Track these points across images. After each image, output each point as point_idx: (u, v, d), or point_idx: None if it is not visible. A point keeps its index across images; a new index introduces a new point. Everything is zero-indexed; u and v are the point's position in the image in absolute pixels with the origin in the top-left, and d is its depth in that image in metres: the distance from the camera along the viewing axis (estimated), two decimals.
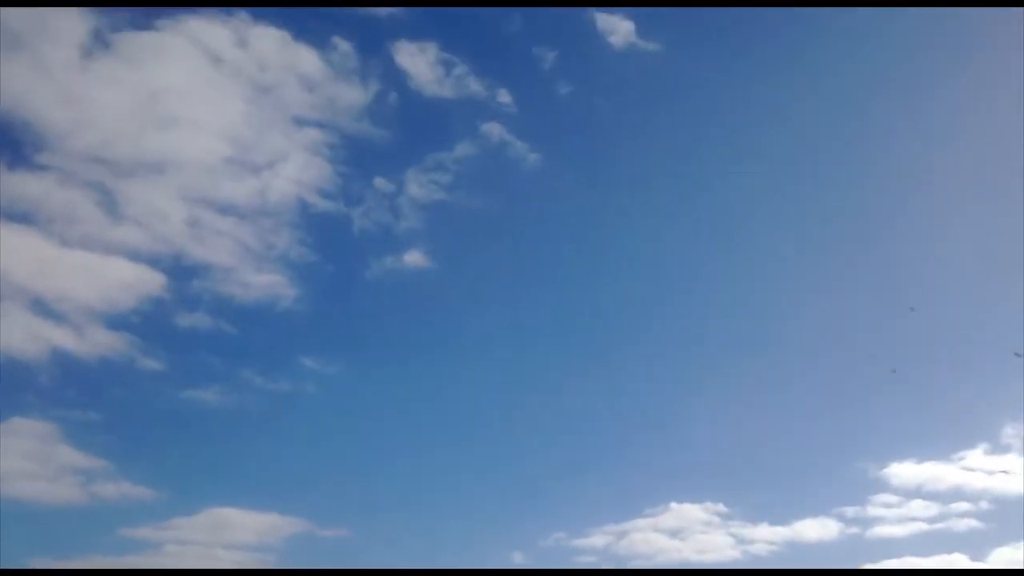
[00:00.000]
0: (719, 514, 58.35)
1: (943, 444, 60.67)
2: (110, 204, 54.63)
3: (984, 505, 57.77)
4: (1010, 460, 59.03)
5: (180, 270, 56.52)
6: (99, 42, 54.57)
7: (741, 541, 57.48)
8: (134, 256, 54.83)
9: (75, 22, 53.96)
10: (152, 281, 55.01)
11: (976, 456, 59.69)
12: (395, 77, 63.47)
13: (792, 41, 70.84)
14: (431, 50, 64.40)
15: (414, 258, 61.87)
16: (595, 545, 56.74)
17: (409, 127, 64.95)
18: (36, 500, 49.03)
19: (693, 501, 58.88)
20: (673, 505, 58.60)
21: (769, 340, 66.70)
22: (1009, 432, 59.83)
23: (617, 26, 67.01)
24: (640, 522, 57.83)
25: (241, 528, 51.89)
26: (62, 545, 48.61)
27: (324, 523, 53.73)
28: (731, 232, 69.98)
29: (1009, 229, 61.06)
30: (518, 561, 55.73)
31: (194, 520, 51.05)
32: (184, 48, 56.68)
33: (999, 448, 59.79)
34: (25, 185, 52.75)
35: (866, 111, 70.04)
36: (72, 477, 49.79)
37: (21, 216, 52.11)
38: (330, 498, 55.64)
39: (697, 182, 70.66)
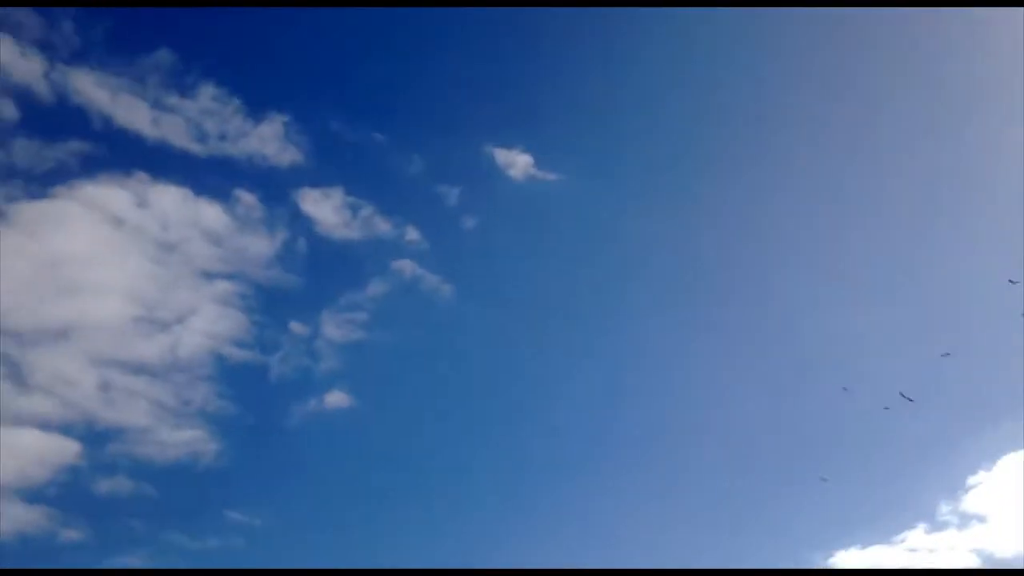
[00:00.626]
0: None
1: (884, 528, 60.65)
2: (16, 375, 54.01)
3: None
4: (949, 536, 60.07)
5: (94, 435, 55.46)
6: None
7: None
8: (45, 426, 53.89)
9: None
10: (66, 449, 53.91)
11: (917, 536, 60.21)
12: (302, 224, 65.08)
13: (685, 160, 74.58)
14: (336, 195, 66.39)
15: (336, 398, 61.79)
16: None
17: (320, 270, 66.09)
18: None
19: None
20: None
21: (707, 439, 67.16)
22: (944, 510, 61.11)
23: (515, 159, 70.44)
24: None
25: None
26: None
27: None
28: (638, 341, 71.26)
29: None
30: None
31: None
32: (82, 213, 57.60)
33: (937, 526, 60.64)
34: None
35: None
36: None
37: None
38: None
39: (599, 296, 72.49)
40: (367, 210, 66.30)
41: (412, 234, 67.24)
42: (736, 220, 73.41)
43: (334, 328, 63.25)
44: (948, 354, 55.01)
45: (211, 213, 62.05)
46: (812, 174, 74.14)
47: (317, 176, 66.79)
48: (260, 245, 63.02)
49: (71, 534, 52.76)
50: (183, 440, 57.16)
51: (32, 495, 52.34)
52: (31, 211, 56.75)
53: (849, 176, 73.61)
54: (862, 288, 70.53)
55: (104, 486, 54.88)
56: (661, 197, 74.40)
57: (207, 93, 64.43)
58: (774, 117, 75.57)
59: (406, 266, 66.15)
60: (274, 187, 65.59)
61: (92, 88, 60.68)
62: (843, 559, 59.43)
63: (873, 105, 73.70)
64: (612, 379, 69.57)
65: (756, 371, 68.96)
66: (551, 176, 70.97)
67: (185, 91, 64.33)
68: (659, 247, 73.13)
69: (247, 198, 63.65)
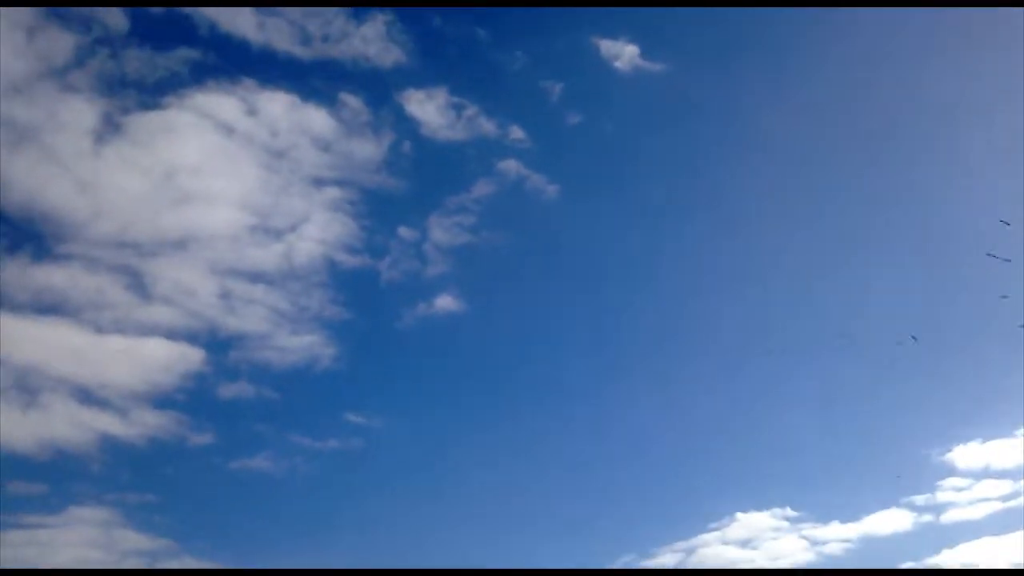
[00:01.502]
0: (788, 518, 57.65)
1: (1005, 421, 59.40)
2: (139, 286, 55.10)
3: None
4: None
5: (217, 343, 56.67)
6: (109, 126, 55.43)
7: (814, 543, 56.79)
8: (170, 334, 55.20)
9: (83, 108, 54.81)
10: (191, 357, 55.20)
11: None
12: (407, 126, 64.19)
13: (797, 49, 71.55)
14: (440, 95, 64.97)
15: (445, 302, 62.00)
16: (665, 563, 56.05)
17: (426, 173, 65.41)
18: None
19: (759, 509, 58.19)
20: (739, 515, 57.81)
21: (816, 336, 66.45)
22: None
23: (621, 51, 67.81)
24: (707, 536, 57.20)
25: None
26: None
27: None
28: (758, 232, 69.70)
29: None
30: None
31: None
32: (194, 122, 57.52)
33: None
34: (50, 276, 53.16)
35: (874, 117, 70.15)
36: (137, 560, 49.41)
37: (51, 308, 52.49)
38: (389, 548, 55.08)
39: (713, 193, 70.73)
40: (471, 110, 65.23)
41: (516, 132, 66.09)
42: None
43: (441, 231, 63.23)
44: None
45: (318, 118, 61.70)
46: None
47: (421, 76, 65.61)
48: (367, 149, 62.68)
49: (199, 438, 54.69)
50: (301, 345, 58.22)
51: (162, 401, 53.98)
52: (144, 122, 56.86)
53: None
54: None
55: (228, 391, 56.48)
56: (776, 87, 71.65)
57: None
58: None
59: (511, 166, 65.25)
60: (378, 89, 64.72)
61: None
62: (962, 454, 59.22)
63: None
64: (727, 268, 68.91)
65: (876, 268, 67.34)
66: (658, 67, 68.63)
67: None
68: (776, 139, 70.75)
69: (352, 102, 63.04)
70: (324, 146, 61.49)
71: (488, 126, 65.62)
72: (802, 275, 68.77)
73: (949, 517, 57.06)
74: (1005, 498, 56.83)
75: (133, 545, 49.43)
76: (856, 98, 69.74)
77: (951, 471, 58.78)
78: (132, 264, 54.87)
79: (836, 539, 56.85)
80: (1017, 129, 60.23)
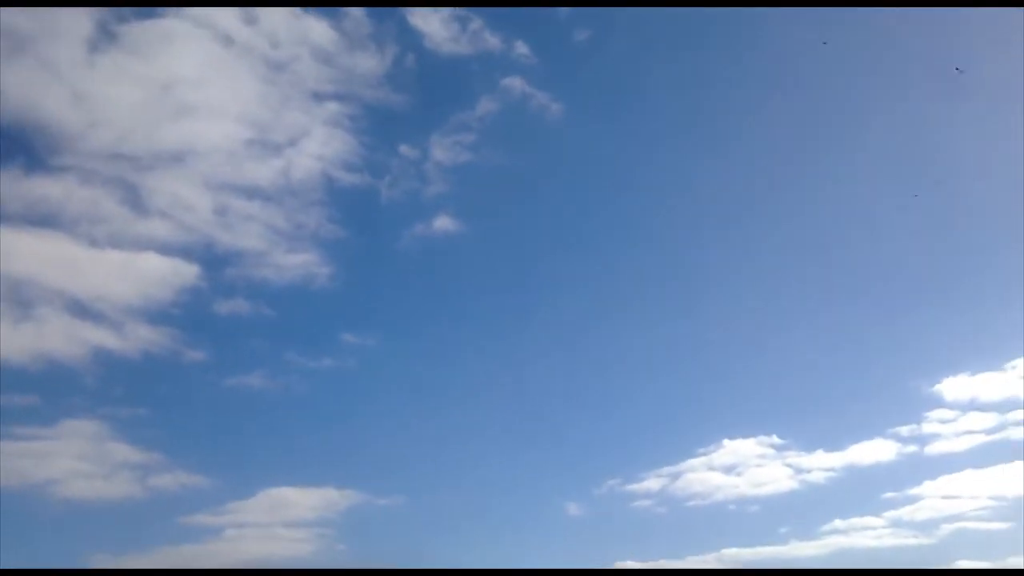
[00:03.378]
0: (773, 446, 58.10)
1: (994, 355, 59.39)
2: (134, 200, 54.68)
3: None
4: None
5: (213, 259, 56.61)
6: (105, 35, 54.16)
7: (798, 471, 57.30)
8: (165, 249, 54.99)
9: (78, 17, 53.49)
10: (186, 272, 55.13)
11: None
12: (410, 39, 62.49)
13: None
14: (444, 8, 63.50)
15: (444, 223, 61.54)
16: (650, 488, 56.86)
17: (429, 89, 64.16)
18: (95, 498, 49.50)
19: (746, 436, 58.62)
20: (726, 442, 58.35)
21: (805, 263, 66.33)
22: None
23: None
24: (694, 462, 57.77)
25: (299, 506, 52.32)
26: (124, 539, 49.30)
27: (379, 493, 53.96)
28: (760, 166, 68.73)
29: None
30: (574, 512, 56.17)
31: (252, 502, 51.40)
32: (191, 32, 56.07)
33: None
34: (45, 188, 52.72)
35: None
36: (128, 472, 50.32)
37: (45, 220, 52.26)
38: (383, 468, 55.95)
39: (723, 119, 69.27)
40: (476, 23, 63.46)
41: (521, 48, 64.35)
42: None
43: (442, 151, 62.31)
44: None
45: (319, 29, 60.01)
46: None
47: None
48: (369, 63, 61.24)
49: (193, 354, 55.08)
50: (297, 263, 58.12)
51: (156, 316, 54.10)
52: (141, 32, 55.44)
53: None
54: None
55: (224, 307, 56.68)
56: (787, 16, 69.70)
57: None
58: None
59: (515, 83, 63.86)
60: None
61: None
62: (949, 385, 59.21)
63: None
64: (732, 199, 68.04)
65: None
66: None
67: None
68: (786, 69, 69.30)
69: (355, 13, 61.29)
70: (325, 59, 60.27)
71: (493, 41, 64.14)
72: (800, 204, 68.57)
73: (934, 448, 57.37)
74: (990, 431, 57.15)
75: (124, 458, 50.35)
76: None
77: (938, 403, 58.93)
78: (127, 177, 54.41)
79: (820, 467, 57.41)
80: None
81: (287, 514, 51.70)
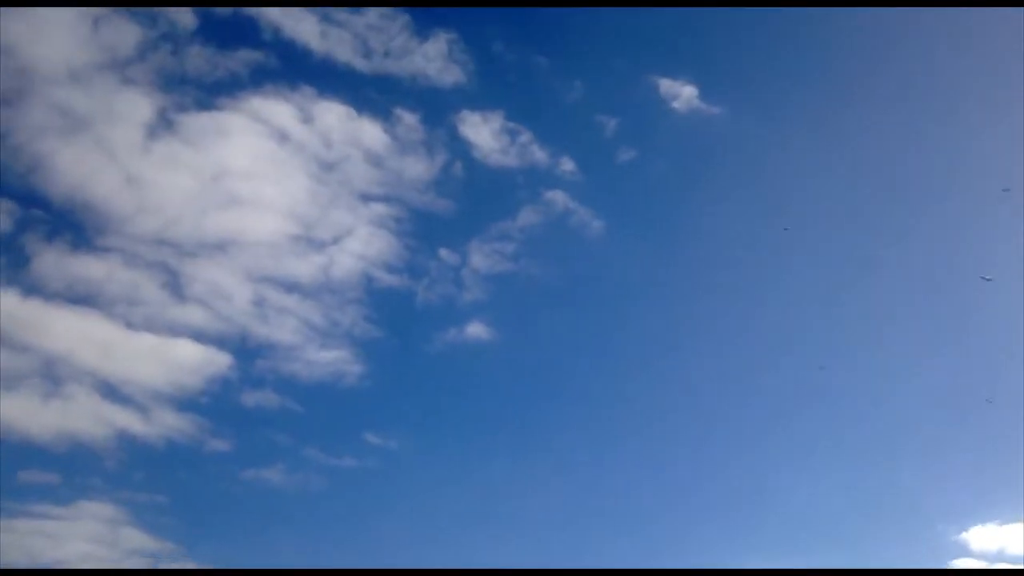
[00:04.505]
0: None
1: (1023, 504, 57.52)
2: (174, 285, 55.37)
3: None
4: None
5: (245, 350, 56.75)
6: (163, 122, 55.73)
7: None
8: (199, 337, 55.29)
9: (139, 102, 55.20)
10: (218, 361, 55.31)
11: None
12: (460, 147, 63.92)
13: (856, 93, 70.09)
14: (495, 119, 64.89)
15: (477, 330, 61.54)
16: None
17: (473, 197, 65.05)
18: None
19: None
20: None
21: (836, 405, 65.17)
22: None
23: (680, 91, 67.39)
24: None
25: None
26: None
27: None
28: (802, 280, 68.64)
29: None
30: None
31: None
32: (248, 126, 57.76)
33: None
34: (88, 267, 53.57)
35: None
36: (139, 560, 49.62)
37: (85, 298, 52.88)
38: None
39: (759, 248, 69.33)
40: (525, 136, 64.85)
41: (567, 164, 65.46)
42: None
43: (481, 258, 62.82)
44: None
45: (372, 132, 61.64)
46: None
47: (478, 98, 65.43)
48: (418, 168, 62.44)
49: (217, 444, 54.77)
50: (329, 360, 58.08)
51: (184, 404, 54.07)
52: (199, 121, 57.17)
53: None
54: None
55: (251, 399, 56.45)
56: (828, 136, 70.38)
57: (375, 9, 63.32)
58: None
59: (558, 197, 64.63)
60: (435, 108, 64.65)
61: None
62: (977, 534, 57.90)
63: None
64: (765, 322, 67.40)
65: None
66: (716, 110, 68.02)
67: (354, 5, 63.30)
68: (826, 189, 69.55)
69: (408, 118, 63.01)
70: (376, 161, 61.52)
71: (540, 155, 65.36)
72: (831, 340, 67.61)
73: None
74: None
75: (138, 545, 49.75)
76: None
77: (964, 551, 57.70)
78: (170, 263, 55.32)
79: None
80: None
81: None
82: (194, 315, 55.27)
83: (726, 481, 62.74)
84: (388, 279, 60.77)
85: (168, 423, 53.12)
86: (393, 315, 61.46)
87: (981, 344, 64.50)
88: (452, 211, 63.48)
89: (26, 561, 46.45)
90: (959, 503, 60.91)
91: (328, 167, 59.95)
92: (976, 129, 67.81)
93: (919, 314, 66.81)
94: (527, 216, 64.51)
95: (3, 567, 26.19)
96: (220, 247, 57.07)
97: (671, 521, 61.14)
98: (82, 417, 51.18)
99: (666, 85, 67.47)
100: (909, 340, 66.04)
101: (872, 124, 70.19)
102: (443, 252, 62.91)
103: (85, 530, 49.21)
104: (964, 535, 58.13)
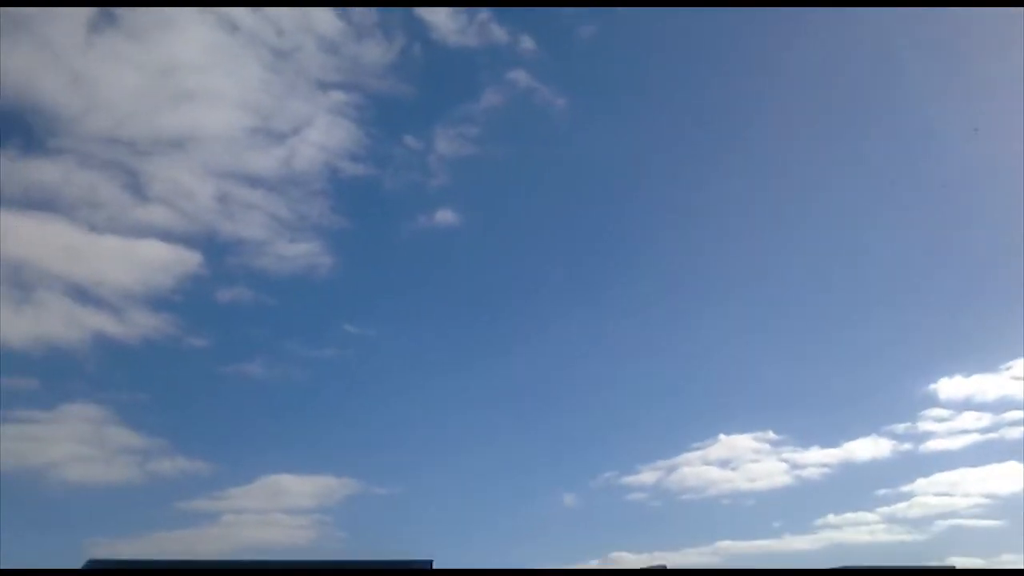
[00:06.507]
0: (769, 441, 58.20)
1: (990, 356, 60.18)
2: (134, 185, 54.47)
3: None
4: None
5: (214, 247, 56.47)
6: (104, 17, 53.78)
7: (793, 466, 57.32)
8: (166, 236, 54.82)
9: None
10: (188, 259, 54.90)
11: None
12: (417, 29, 62.41)
13: None
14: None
15: (445, 216, 61.63)
16: (645, 482, 56.90)
17: (434, 80, 64.27)
18: (94, 482, 49.49)
19: (742, 431, 58.80)
20: (722, 437, 58.43)
21: (805, 261, 66.91)
22: None
23: None
24: (689, 456, 57.82)
25: (297, 493, 52.29)
26: (122, 523, 49.19)
27: (377, 482, 54.08)
28: (761, 164, 69.30)
29: None
30: (570, 503, 56.42)
31: (250, 489, 51.20)
32: (194, 16, 55.55)
33: None
34: (43, 171, 52.53)
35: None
36: (128, 457, 50.19)
37: (43, 203, 52.07)
38: (381, 457, 56.29)
39: (725, 116, 69.65)
40: (483, 15, 63.31)
41: (527, 42, 64.33)
42: None
43: (446, 142, 62.34)
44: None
45: (325, 18, 59.73)
46: None
47: None
48: (375, 52, 61.02)
49: (196, 341, 55.01)
50: (299, 253, 58.07)
51: (157, 303, 53.87)
52: (144, 14, 54.71)
53: None
54: None
55: (225, 295, 56.75)
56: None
57: None
58: None
59: (520, 76, 63.91)
60: None
61: None
62: (945, 385, 59.66)
63: None
64: (729, 191, 68.23)
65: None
66: None
67: None
68: (785, 62, 69.45)
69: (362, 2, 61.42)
70: (331, 48, 59.95)
71: (499, 33, 64.07)
72: (800, 203, 68.84)
73: (928, 447, 57.84)
74: (985, 430, 57.62)
75: (125, 442, 50.15)
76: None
77: (934, 402, 59.53)
78: (127, 162, 54.06)
79: (815, 463, 57.47)
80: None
81: (285, 501, 51.77)
82: (158, 214, 54.72)
83: (693, 350, 64.55)
84: (352, 168, 60.41)
85: (143, 323, 53.13)
86: (360, 205, 61.66)
87: (946, 198, 66.00)
88: (413, 96, 62.83)
89: (16, 465, 47.07)
90: (926, 356, 63.46)
91: (282, 56, 58.57)
92: None
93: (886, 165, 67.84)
94: (490, 97, 63.97)
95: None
96: (177, 144, 56.15)
97: (649, 388, 63.35)
98: (56, 321, 51.12)
99: None
100: (875, 193, 67.38)
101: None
102: (407, 138, 62.70)
103: (71, 431, 49.72)
104: (933, 386, 60.10)
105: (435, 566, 22.18)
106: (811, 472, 57.08)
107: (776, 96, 68.68)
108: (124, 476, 49.70)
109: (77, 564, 17.98)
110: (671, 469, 57.03)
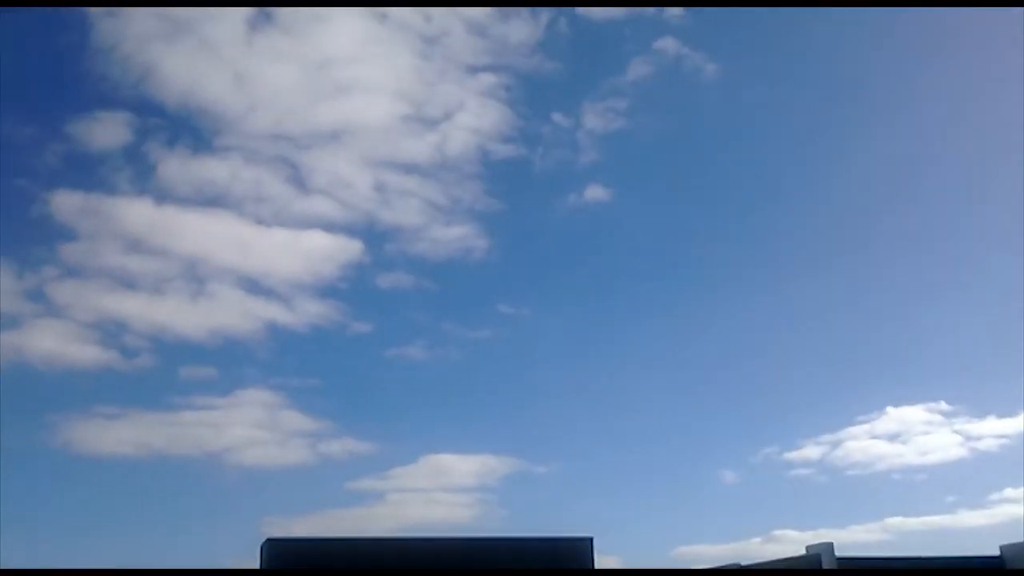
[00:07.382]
0: (941, 412, 54.83)
1: None
2: (297, 179, 56.11)
3: None
4: None
5: (374, 234, 57.58)
6: (262, 15, 55.12)
7: (968, 438, 53.78)
8: (329, 226, 56.29)
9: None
10: (350, 248, 56.31)
11: None
12: (562, 4, 61.84)
13: None
14: None
15: (596, 192, 60.71)
16: (809, 457, 54.63)
17: (581, 55, 62.85)
18: (269, 464, 51.78)
19: (911, 403, 55.51)
20: (889, 409, 55.29)
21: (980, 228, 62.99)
22: None
23: None
24: (854, 430, 55.03)
25: (459, 472, 53.22)
26: (295, 503, 51.73)
27: (536, 460, 54.45)
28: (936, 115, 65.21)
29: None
30: (729, 480, 55.21)
31: (413, 468, 52.39)
32: (344, 9, 56.13)
33: None
34: (211, 169, 54.61)
35: None
36: (299, 439, 52.08)
37: (213, 200, 54.15)
38: (540, 436, 56.43)
39: (891, 75, 65.96)
40: None
41: (674, 8, 62.44)
42: None
43: (594, 117, 61.21)
44: None
45: None
46: None
47: None
48: (522, 31, 60.19)
49: (360, 326, 56.57)
50: (455, 236, 58.32)
51: (323, 291, 55.62)
52: (296, 10, 56.17)
53: None
54: None
55: (386, 281, 57.63)
56: None
57: None
58: None
59: (668, 44, 61.85)
60: None
61: None
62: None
63: None
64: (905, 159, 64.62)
65: None
66: None
67: None
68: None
69: None
70: (479, 30, 59.86)
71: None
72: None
73: None
74: None
75: (297, 426, 52.05)
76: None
77: None
78: (289, 156, 55.71)
79: (992, 434, 53.69)
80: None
81: (448, 480, 52.86)
82: (320, 205, 56.26)
83: (860, 319, 61.93)
84: (503, 150, 60.33)
85: (311, 311, 54.88)
86: (512, 186, 61.40)
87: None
88: (561, 72, 61.93)
89: (196, 450, 49.80)
90: None
91: (431, 41, 58.85)
92: None
93: None
94: (637, 68, 62.30)
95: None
96: (334, 136, 57.49)
97: (812, 359, 61.21)
98: (230, 313, 53.28)
99: None
100: None
101: None
102: (556, 116, 62.00)
103: (246, 416, 51.93)
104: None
105: (595, 544, 22.21)
106: (987, 443, 53.66)
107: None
108: (296, 458, 51.71)
109: (256, 542, 18.89)
110: (836, 444, 54.63)
